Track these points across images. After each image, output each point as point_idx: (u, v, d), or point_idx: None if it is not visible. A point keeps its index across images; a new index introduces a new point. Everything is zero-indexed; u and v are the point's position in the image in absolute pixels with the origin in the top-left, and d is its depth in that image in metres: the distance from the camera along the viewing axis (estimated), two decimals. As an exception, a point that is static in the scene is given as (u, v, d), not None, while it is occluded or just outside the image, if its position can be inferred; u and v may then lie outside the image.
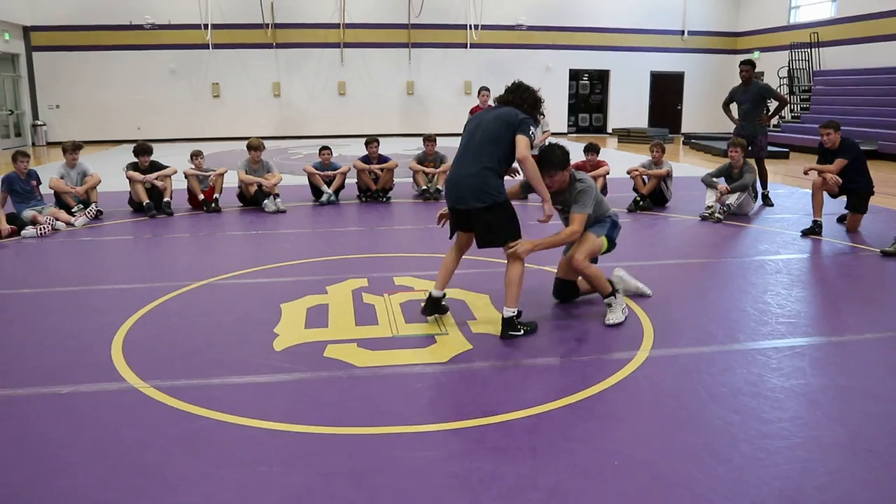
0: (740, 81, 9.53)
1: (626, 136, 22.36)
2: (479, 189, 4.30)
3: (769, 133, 9.75)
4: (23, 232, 7.86)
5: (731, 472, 2.85)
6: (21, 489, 2.77)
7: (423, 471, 2.86)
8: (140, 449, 3.07)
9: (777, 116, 9.24)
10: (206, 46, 22.69)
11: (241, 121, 22.93)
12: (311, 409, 3.43)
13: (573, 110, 25.89)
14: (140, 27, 22.45)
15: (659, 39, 25.28)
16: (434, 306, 4.65)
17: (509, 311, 4.36)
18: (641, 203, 9.09)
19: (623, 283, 5.25)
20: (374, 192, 10.01)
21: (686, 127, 25.66)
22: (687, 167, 14.55)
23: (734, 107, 9.73)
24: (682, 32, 25.41)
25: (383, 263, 6.42)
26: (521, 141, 4.27)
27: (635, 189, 9.36)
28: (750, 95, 9.41)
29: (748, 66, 9.48)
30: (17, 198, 8.44)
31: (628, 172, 9.52)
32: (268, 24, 22.68)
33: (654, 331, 4.52)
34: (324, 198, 9.77)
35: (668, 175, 9.27)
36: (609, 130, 25.42)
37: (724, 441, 3.11)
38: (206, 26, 22.23)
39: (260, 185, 9.27)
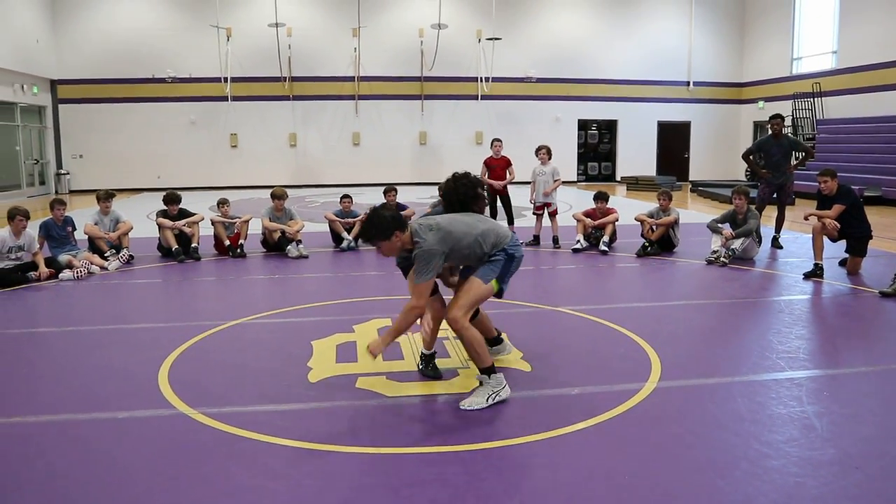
0: (769, 133, 9.99)
1: (635, 184, 22.82)
2: None
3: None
4: (60, 275, 8.28)
5: (731, 485, 3.16)
6: (93, 501, 3.10)
7: (455, 485, 3.18)
8: (196, 465, 3.41)
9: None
10: (225, 98, 23.46)
11: (259, 170, 23.58)
12: (348, 433, 3.76)
13: (582, 159, 26.44)
14: (162, 80, 23.28)
15: (665, 90, 25.94)
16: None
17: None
18: (650, 249, 9.44)
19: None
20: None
21: (693, 174, 26.15)
22: (694, 213, 14.93)
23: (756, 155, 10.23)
24: (688, 83, 26.08)
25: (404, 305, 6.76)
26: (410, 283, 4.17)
27: (643, 235, 9.73)
28: (781, 148, 9.90)
29: (779, 119, 9.97)
30: (52, 243, 8.89)
31: (637, 219, 9.90)
32: (285, 77, 23.47)
33: (661, 364, 4.83)
34: (344, 244, 10.19)
35: (675, 222, 9.64)
36: (618, 178, 25.92)
37: (726, 460, 3.42)
38: (225, 79, 23.02)
39: (283, 232, 9.70)
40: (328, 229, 10.54)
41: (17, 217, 8.11)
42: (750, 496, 3.06)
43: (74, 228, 9.18)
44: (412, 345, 5.37)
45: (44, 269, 8.18)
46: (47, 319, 6.62)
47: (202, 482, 3.24)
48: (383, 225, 3.95)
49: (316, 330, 5.81)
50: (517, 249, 4.26)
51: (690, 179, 25.47)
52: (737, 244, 8.84)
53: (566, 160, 24.64)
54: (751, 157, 10.51)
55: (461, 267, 4.46)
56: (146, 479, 3.28)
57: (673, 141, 26.51)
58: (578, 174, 26.28)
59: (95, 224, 9.36)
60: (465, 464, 3.39)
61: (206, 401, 4.20)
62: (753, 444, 3.59)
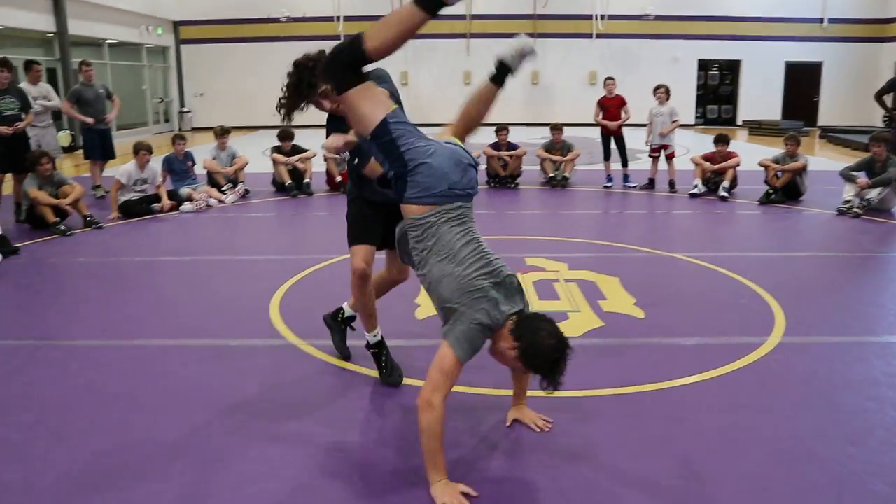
0: None
1: (758, 129, 21.58)
2: None
3: None
4: (181, 207, 8.61)
5: (865, 454, 2.91)
6: (213, 420, 3.19)
7: (570, 434, 3.09)
8: (301, 393, 3.47)
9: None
10: (338, 38, 23.55)
11: (370, 109, 23.72)
12: (463, 373, 3.70)
13: (701, 101, 25.17)
14: (277, 20, 23.62)
15: (795, 28, 24.16)
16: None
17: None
18: (774, 196, 8.90)
19: None
20: (503, 177, 10.27)
21: (823, 120, 24.45)
22: (823, 160, 13.98)
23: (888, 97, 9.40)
24: (821, 20, 24.18)
25: (514, 245, 6.65)
26: None
27: (767, 182, 9.16)
28: None
29: None
30: (174, 176, 9.25)
31: (760, 164, 9.33)
32: (397, 16, 23.29)
33: (785, 319, 4.54)
34: (454, 182, 10.11)
35: (804, 168, 9.02)
36: (739, 122, 24.58)
37: (859, 426, 3.16)
38: (338, 18, 23.10)
39: (393, 170, 9.71)
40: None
41: (141, 151, 8.45)
42: (886, 467, 2.82)
43: (194, 163, 9.51)
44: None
45: (166, 202, 8.52)
46: (169, 249, 6.90)
47: (305, 410, 3.30)
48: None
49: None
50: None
51: (819, 125, 23.84)
52: (873, 194, 8.18)
53: (684, 102, 23.46)
54: (882, 97, 9.63)
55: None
56: (252, 405, 3.36)
57: (802, 83, 24.77)
58: (696, 117, 25.06)
59: (213, 159, 9.66)
60: (575, 410, 3.28)
61: (314, 333, 4.25)
62: (890, 411, 3.30)
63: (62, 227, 7.31)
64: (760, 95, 24.65)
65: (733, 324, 4.50)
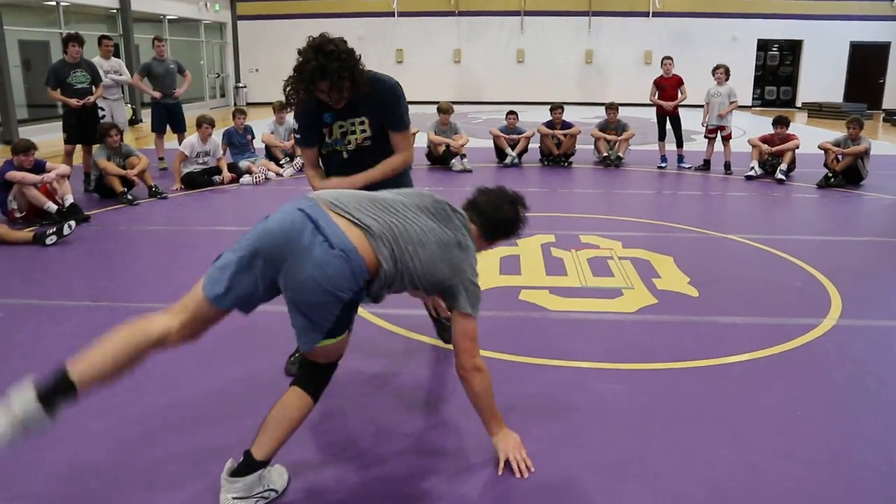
0: None
1: (818, 111, 21.05)
2: None
3: None
4: (241, 180, 8.85)
5: (919, 431, 2.94)
6: (272, 386, 3.36)
7: (619, 401, 3.17)
8: (356, 356, 3.60)
9: None
10: (392, 14, 23.66)
11: (423, 85, 23.72)
12: (513, 342, 3.82)
13: (759, 82, 24.62)
14: (333, -4, 23.83)
15: (861, 6, 23.40)
16: None
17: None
18: (833, 180, 8.75)
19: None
20: (557, 156, 10.28)
21: (888, 103, 23.70)
22: (886, 144, 13.63)
23: None
24: (891, -1, 23.41)
25: (568, 222, 6.70)
26: None
27: (827, 165, 9.00)
28: None
29: None
30: (233, 150, 9.50)
31: (820, 147, 9.17)
32: (451, -8, 23.31)
33: (841, 302, 4.52)
34: (508, 160, 10.18)
35: (866, 152, 8.83)
36: (798, 104, 23.99)
37: (913, 405, 3.18)
38: (393, -6, 23.20)
39: (448, 146, 9.80)
40: (492, 145, 10.55)
41: (204, 125, 8.68)
42: (941, 443, 2.84)
43: (253, 137, 9.74)
44: (576, 263, 5.32)
45: (227, 174, 8.76)
46: (229, 219, 7.13)
47: (357, 372, 3.44)
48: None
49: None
50: None
51: (884, 108, 23.14)
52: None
53: (742, 83, 22.96)
54: None
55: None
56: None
57: (866, 64, 24.00)
58: (754, 98, 24.54)
59: (272, 133, 9.88)
60: (630, 381, 3.36)
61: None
62: (947, 390, 3.31)
63: (129, 197, 7.59)
64: (822, 77, 23.98)
65: (788, 305, 4.50)
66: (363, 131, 3.15)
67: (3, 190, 6.66)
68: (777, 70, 24.78)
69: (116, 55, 9.72)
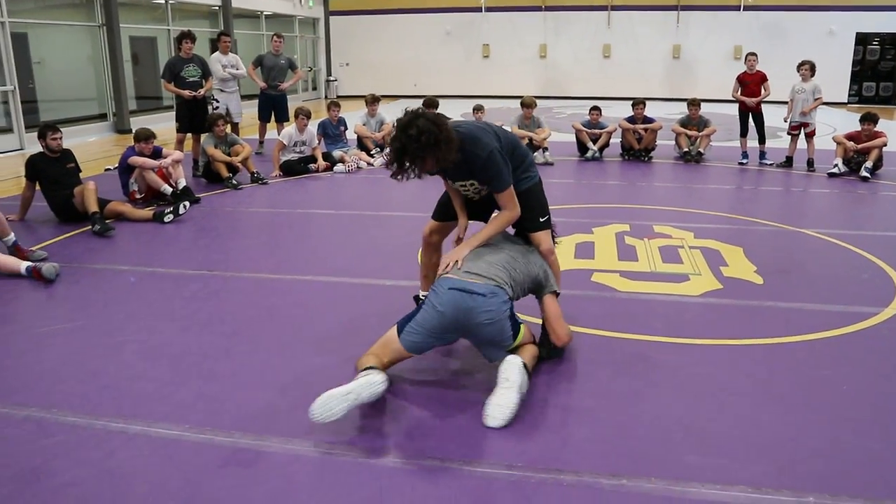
0: None
1: (918, 108, 20.30)
2: None
3: None
4: (335, 168, 9.44)
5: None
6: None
7: (677, 370, 3.51)
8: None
9: None
10: (479, 9, 24.06)
11: (509, 80, 24.10)
12: (587, 318, 4.17)
13: (857, 78, 23.84)
14: (422, -9, 24.41)
15: (971, -2, 22.39)
16: None
17: None
18: (921, 177, 8.67)
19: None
20: (637, 151, 10.49)
21: None
22: None
23: None
24: None
25: (643, 213, 6.97)
26: None
27: (915, 162, 8.92)
28: None
29: None
30: (327, 140, 10.11)
31: (909, 144, 9.08)
32: (539, -12, 23.52)
33: (907, 293, 4.67)
34: (589, 154, 10.46)
35: (956, 149, 8.71)
36: (898, 101, 23.16)
37: (960, 386, 3.38)
38: (481, -10, 23.59)
39: (531, 139, 10.15)
40: (574, 139, 10.83)
41: (300, 116, 9.30)
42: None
43: (346, 128, 10.31)
44: (648, 250, 5.61)
45: (321, 162, 9.37)
46: (324, 204, 7.70)
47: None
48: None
49: (559, 229, 6.23)
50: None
51: None
52: None
53: (838, 79, 22.40)
54: None
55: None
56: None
57: (974, 60, 22.95)
58: (850, 95, 23.77)
59: (364, 125, 10.44)
60: (681, 353, 3.68)
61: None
62: None
63: (234, 182, 8.27)
64: (925, 72, 23.02)
65: (851, 294, 4.68)
66: (474, 187, 3.64)
67: (125, 174, 7.40)
68: (877, 65, 23.93)
69: (213, 51, 10.54)
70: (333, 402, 2.84)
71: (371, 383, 2.96)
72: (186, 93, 8.68)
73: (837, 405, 3.18)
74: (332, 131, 10.17)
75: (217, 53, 10.07)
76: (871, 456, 2.76)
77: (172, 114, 10.42)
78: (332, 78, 25.31)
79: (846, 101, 23.44)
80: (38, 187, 6.63)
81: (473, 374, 3.49)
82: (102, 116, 14.67)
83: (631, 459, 2.73)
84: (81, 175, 6.91)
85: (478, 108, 10.77)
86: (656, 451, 2.79)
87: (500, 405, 2.98)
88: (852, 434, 2.92)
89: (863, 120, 9.45)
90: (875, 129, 9.37)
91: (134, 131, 7.59)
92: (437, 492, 2.53)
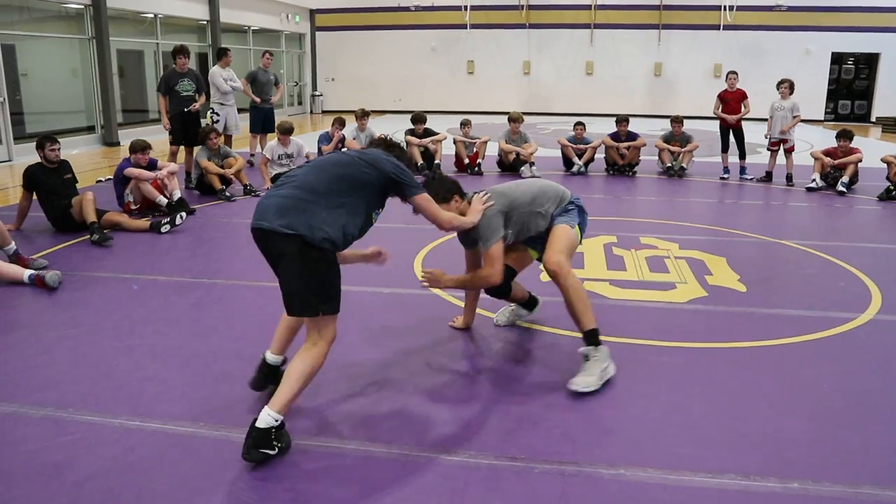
0: None
1: (893, 126, 20.80)
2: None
3: None
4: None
5: (932, 405, 3.37)
6: (372, 353, 3.98)
7: (667, 371, 3.69)
8: (439, 331, 4.19)
9: None
10: (464, 26, 24.39)
11: (492, 96, 24.40)
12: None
13: (833, 96, 24.39)
14: (406, 9, 24.65)
15: (943, 20, 23.01)
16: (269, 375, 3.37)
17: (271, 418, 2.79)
18: (894, 192, 8.95)
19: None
20: (621, 166, 10.73)
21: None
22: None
23: None
24: (973, 12, 22.92)
25: (630, 226, 7.18)
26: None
27: (889, 178, 9.21)
28: None
29: None
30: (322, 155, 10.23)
31: (883, 160, 9.38)
32: (522, 6, 23.86)
33: (882, 300, 4.88)
34: (574, 168, 10.69)
35: (928, 165, 9.01)
36: (873, 119, 23.70)
37: (932, 386, 3.59)
38: (465, 8, 23.89)
39: (518, 154, 10.36)
40: (560, 154, 11.06)
41: (280, 134, 9.32)
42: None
43: (343, 145, 10.43)
44: (635, 260, 5.81)
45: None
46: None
47: (443, 341, 4.03)
48: (444, 187, 3.83)
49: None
50: (581, 202, 3.97)
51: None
52: None
53: (814, 97, 22.91)
54: None
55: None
56: (403, 337, 4.13)
57: (946, 79, 23.54)
58: (827, 112, 24.31)
59: (354, 139, 10.59)
60: (668, 354, 3.86)
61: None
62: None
63: (227, 194, 8.39)
64: (900, 91, 23.58)
65: (829, 301, 4.91)
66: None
67: (121, 184, 7.50)
68: (852, 84, 24.51)
69: (202, 65, 10.84)
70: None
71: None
72: (165, 122, 8.92)
73: (818, 402, 3.37)
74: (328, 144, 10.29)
75: (217, 67, 10.31)
76: (849, 447, 2.95)
77: (159, 126, 10.60)
78: (317, 93, 25.50)
79: (823, 118, 23.97)
80: (34, 197, 6.72)
81: (475, 374, 3.66)
82: (90, 129, 14.73)
83: (627, 451, 2.90)
84: (78, 186, 7.02)
85: (465, 123, 10.96)
86: (651, 443, 2.97)
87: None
88: (832, 427, 3.11)
89: (839, 137, 9.76)
90: (850, 145, 9.68)
91: (130, 143, 7.70)
92: (446, 484, 2.69)
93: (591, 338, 3.55)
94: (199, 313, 4.56)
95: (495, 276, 3.71)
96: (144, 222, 6.87)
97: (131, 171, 7.38)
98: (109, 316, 4.47)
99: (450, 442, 2.96)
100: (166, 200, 7.46)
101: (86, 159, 12.26)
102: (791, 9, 23.23)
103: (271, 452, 2.77)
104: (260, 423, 2.74)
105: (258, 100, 11.02)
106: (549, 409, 3.26)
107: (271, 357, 3.34)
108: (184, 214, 6.93)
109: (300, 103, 25.41)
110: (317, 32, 25.60)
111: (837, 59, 24.02)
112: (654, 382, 3.55)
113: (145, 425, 3.08)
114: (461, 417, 3.19)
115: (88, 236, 6.31)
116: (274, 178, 9.18)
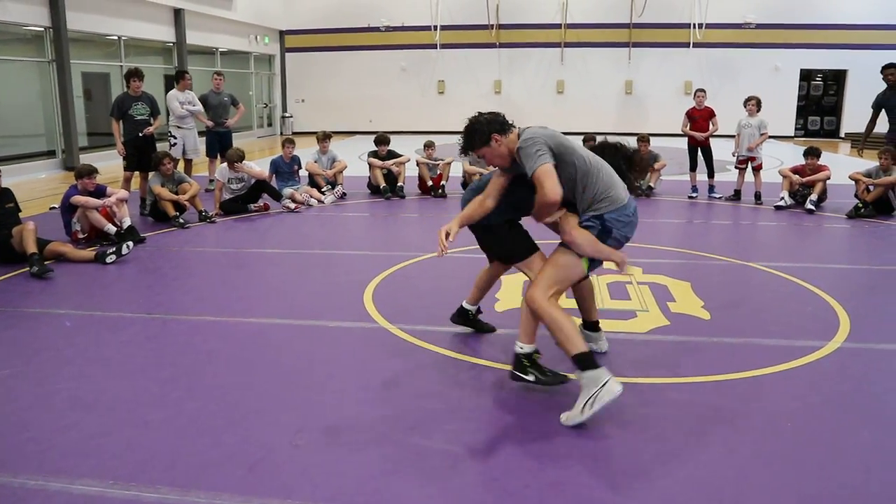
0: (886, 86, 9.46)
1: (860, 141, 20.90)
2: None
3: None
4: (282, 202, 9.25)
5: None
6: (311, 388, 3.73)
7: (619, 412, 3.46)
8: (389, 369, 3.95)
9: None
10: (434, 46, 24.32)
11: (464, 115, 23.69)
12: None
13: (802, 112, 24.58)
14: (376, 29, 24.57)
15: (907, 36, 23.31)
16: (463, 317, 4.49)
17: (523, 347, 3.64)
18: (863, 210, 8.87)
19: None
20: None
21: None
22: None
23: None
24: (937, 28, 23.23)
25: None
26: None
27: (857, 195, 9.13)
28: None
29: (893, 69, 9.44)
30: (279, 178, 9.97)
31: (851, 178, 9.31)
32: (492, 25, 23.85)
33: (850, 327, 4.70)
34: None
35: (896, 183, 8.95)
36: (842, 135, 23.88)
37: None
38: (435, 28, 23.84)
39: (481, 175, 10.16)
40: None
41: (232, 161, 9.04)
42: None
43: (300, 167, 10.21)
44: (596, 285, 5.60)
45: (262, 202, 9.17)
46: (273, 243, 7.58)
47: (393, 384, 3.78)
48: (480, 129, 3.60)
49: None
50: (617, 224, 3.60)
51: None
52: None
53: (784, 113, 23.05)
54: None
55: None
56: (345, 376, 3.88)
57: (913, 94, 23.77)
58: (796, 129, 24.48)
59: (315, 162, 10.36)
60: (637, 394, 3.64)
61: (402, 318, 4.76)
62: (934, 408, 3.52)
63: (181, 221, 8.11)
64: (867, 107, 23.71)
65: (795, 328, 4.72)
66: None
67: (67, 213, 7.22)
68: (821, 100, 24.71)
69: (168, 87, 10.45)
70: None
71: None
72: (119, 148, 8.62)
73: (781, 442, 3.16)
74: (285, 168, 10.04)
75: (174, 91, 9.96)
76: (806, 498, 2.74)
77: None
78: (287, 114, 25.26)
79: (793, 134, 24.14)
80: (-27, 228, 6.42)
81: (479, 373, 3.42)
82: (51, 153, 14.39)
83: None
84: (22, 214, 6.73)
85: (428, 145, 10.74)
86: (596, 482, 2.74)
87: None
88: (792, 475, 2.90)
89: (806, 154, 9.69)
90: (818, 162, 9.61)
91: (76, 168, 7.41)
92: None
93: (577, 363, 3.33)
94: (130, 352, 4.27)
95: (556, 199, 3.40)
96: (90, 252, 6.57)
97: (77, 198, 7.10)
98: (34, 357, 4.18)
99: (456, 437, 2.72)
100: (115, 229, 7.18)
101: (45, 185, 11.96)
102: (760, 26, 23.42)
103: (527, 378, 3.55)
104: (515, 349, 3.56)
105: (210, 123, 10.51)
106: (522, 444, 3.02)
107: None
108: (130, 244, 6.64)
109: (270, 125, 25.17)
110: (286, 53, 25.41)
111: (806, 75, 24.24)
112: (603, 424, 3.32)
113: (48, 485, 2.81)
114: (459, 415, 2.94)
115: (28, 268, 6.01)
116: (223, 205, 8.89)
